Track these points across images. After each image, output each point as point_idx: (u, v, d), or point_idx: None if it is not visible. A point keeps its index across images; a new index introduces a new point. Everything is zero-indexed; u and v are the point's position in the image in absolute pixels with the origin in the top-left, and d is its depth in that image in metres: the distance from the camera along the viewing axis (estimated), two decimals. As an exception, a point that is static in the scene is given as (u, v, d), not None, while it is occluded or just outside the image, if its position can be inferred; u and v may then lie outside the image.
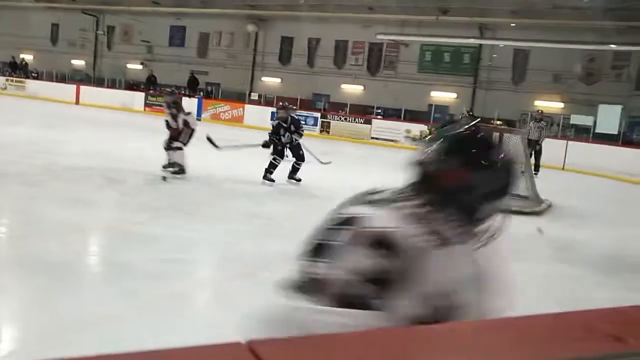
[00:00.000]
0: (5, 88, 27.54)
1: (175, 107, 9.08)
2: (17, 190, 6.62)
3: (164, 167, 8.54)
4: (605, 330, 0.71)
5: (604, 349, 0.69)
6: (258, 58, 27.13)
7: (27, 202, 6.11)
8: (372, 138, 20.96)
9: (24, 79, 28.58)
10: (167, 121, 8.97)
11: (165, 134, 8.85)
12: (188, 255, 4.79)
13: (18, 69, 30.08)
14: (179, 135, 8.77)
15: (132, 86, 27.54)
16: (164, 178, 8.21)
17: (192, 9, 25.40)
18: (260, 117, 22.89)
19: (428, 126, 20.56)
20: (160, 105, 24.32)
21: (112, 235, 5.26)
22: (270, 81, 26.62)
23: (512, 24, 20.23)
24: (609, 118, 18.48)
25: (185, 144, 8.70)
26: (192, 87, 25.89)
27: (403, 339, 0.77)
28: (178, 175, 8.40)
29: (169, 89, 12.07)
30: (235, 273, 4.44)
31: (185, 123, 8.88)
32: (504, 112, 19.77)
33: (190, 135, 8.91)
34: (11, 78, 28.68)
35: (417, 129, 20.61)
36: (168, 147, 8.65)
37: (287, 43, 26.25)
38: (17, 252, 4.42)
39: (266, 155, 9.63)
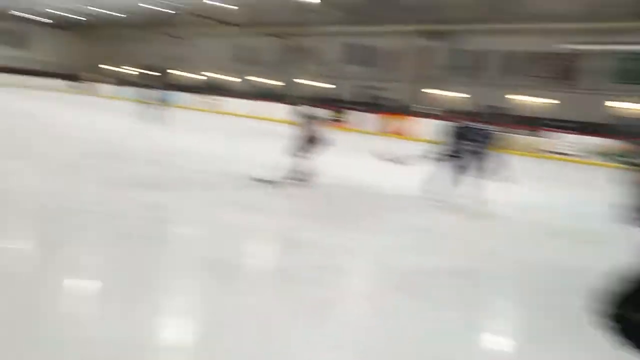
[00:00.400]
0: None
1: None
2: (195, 195, 7.22)
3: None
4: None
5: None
6: (431, 72, 26.83)
7: (203, 206, 6.63)
8: (546, 151, 19.60)
9: (218, 97, 31.21)
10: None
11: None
12: (344, 263, 4.88)
13: (213, 89, 33.05)
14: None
15: (315, 103, 28.69)
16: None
17: (372, 27, 25.80)
18: (427, 130, 22.41)
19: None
20: (338, 121, 25.14)
21: (276, 240, 5.56)
22: (443, 95, 26.20)
23: None
24: None
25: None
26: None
27: None
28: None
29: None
30: (391, 285, 4.44)
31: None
32: None
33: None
34: (209, 97, 31.35)
35: (598, 142, 18.86)
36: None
37: (464, 56, 25.70)
38: (193, 252, 4.83)
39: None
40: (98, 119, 18.64)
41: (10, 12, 40.47)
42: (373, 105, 26.45)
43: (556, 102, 22.47)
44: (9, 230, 5.04)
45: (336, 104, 23.09)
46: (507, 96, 23.87)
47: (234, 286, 4.04)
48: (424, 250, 5.57)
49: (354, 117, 25.26)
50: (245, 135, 18.01)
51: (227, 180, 8.54)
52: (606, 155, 18.64)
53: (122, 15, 35.47)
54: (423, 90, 26.88)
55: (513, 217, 7.91)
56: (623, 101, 21.13)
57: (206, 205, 6.72)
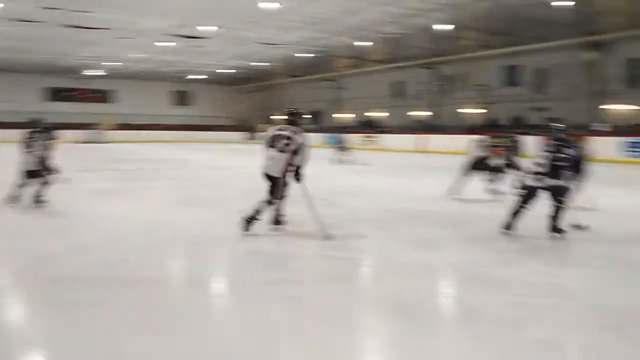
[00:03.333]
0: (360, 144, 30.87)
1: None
2: (372, 234, 7.16)
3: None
4: None
5: None
6: (601, 86, 24.95)
7: (381, 245, 6.56)
8: None
9: (374, 134, 31.70)
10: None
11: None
12: (545, 299, 4.47)
13: (370, 126, 33.75)
14: None
15: (469, 130, 28.08)
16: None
17: (525, 46, 24.86)
18: (613, 149, 20.75)
19: None
20: (499, 146, 24.20)
21: (462, 278, 5.26)
22: (619, 108, 24.14)
23: None
24: None
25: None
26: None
27: None
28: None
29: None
30: (601, 324, 3.97)
31: None
32: None
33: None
34: (367, 134, 31.98)
35: None
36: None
37: (634, 65, 23.59)
38: (374, 292, 4.73)
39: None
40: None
41: (185, 77, 44.78)
42: (544, 128, 25.03)
43: None
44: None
45: (504, 130, 22.23)
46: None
47: (426, 327, 3.84)
48: (629, 285, 4.95)
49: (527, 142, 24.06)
50: (406, 170, 17.87)
51: (400, 216, 8.43)
52: None
53: (279, 65, 37.62)
54: (600, 106, 24.92)
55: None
56: None
57: (385, 242, 6.64)
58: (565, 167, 6.52)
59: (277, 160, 6.53)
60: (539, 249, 6.35)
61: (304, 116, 7.05)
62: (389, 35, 25.02)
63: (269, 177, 6.61)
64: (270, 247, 6.31)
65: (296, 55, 32.79)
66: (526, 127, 25.35)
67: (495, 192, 10.19)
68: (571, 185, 6.69)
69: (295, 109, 6.97)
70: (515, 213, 6.73)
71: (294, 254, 6.15)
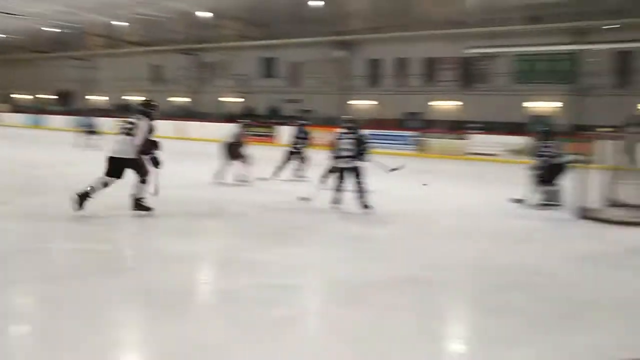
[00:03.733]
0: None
1: None
2: (129, 223, 6.95)
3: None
4: None
5: None
6: (348, 82, 27.37)
7: (137, 235, 6.41)
8: (469, 153, 20.44)
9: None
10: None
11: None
12: (292, 280, 4.80)
13: (127, 111, 32.16)
14: None
15: (228, 118, 28.58)
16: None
17: (282, 39, 26.07)
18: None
19: (528, 137, 19.79)
20: (256, 135, 25.22)
21: (217, 263, 5.40)
22: (362, 104, 26.73)
23: (610, 26, 19.12)
24: None
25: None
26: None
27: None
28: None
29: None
30: (341, 298, 4.40)
31: None
32: (609, 118, 18.65)
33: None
34: (122, 119, 30.52)
35: (517, 141, 19.88)
36: None
37: (375, 65, 26.36)
38: (131, 283, 4.61)
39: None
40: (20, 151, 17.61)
41: None
42: (297, 119, 26.56)
43: (471, 104, 23.34)
44: None
45: (258, 119, 23.08)
46: (429, 102, 24.66)
47: (182, 314, 3.87)
48: (368, 260, 5.57)
49: (279, 131, 25.34)
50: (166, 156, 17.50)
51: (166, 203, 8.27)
52: (520, 152, 19.63)
53: (22, 38, 33.94)
54: (348, 101, 27.28)
55: (445, 220, 8.11)
56: (533, 101, 22.32)
57: (142, 232, 6.47)
58: (355, 151, 8.30)
59: (124, 143, 7.06)
60: (288, 233, 6.78)
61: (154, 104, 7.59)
62: (147, 17, 24.22)
63: (120, 160, 6.99)
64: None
65: (43, 29, 29.87)
66: (281, 117, 26.76)
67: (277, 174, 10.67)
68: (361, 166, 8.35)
69: (149, 101, 7.67)
70: (337, 189, 8.34)
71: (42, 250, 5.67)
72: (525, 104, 22.49)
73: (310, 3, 19.19)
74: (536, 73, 22.54)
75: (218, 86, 31.45)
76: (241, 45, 28.19)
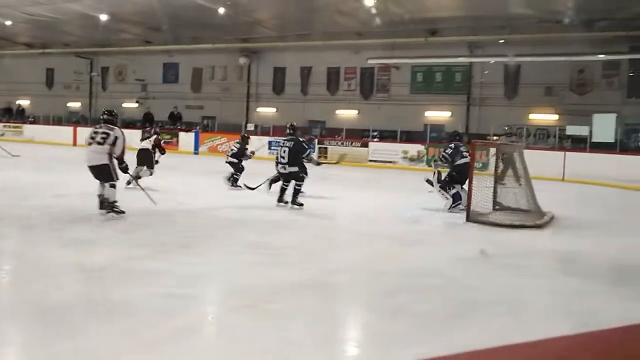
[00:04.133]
0: (2, 134, 27.64)
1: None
2: (16, 234, 6.60)
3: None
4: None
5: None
6: (252, 89, 27.35)
7: (25, 245, 6.09)
8: (370, 161, 21.03)
9: (20, 124, 28.79)
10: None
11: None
12: (191, 289, 4.75)
13: (14, 115, 30.40)
14: None
15: (128, 125, 27.68)
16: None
17: (184, 45, 25.60)
18: (257, 147, 22.98)
19: (425, 145, 20.69)
20: (167, 142, 24.61)
21: (113, 274, 5.23)
22: (266, 111, 26.77)
23: (500, 40, 20.39)
24: (604, 127, 18.57)
25: None
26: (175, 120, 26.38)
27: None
28: None
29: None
30: (240, 305, 4.40)
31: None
32: (499, 127, 19.85)
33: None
34: (8, 124, 28.93)
35: (415, 149, 20.72)
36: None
37: (279, 73, 26.49)
38: (16, 297, 4.38)
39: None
40: None
41: None
42: (200, 125, 26.22)
43: (371, 113, 23.96)
44: None
45: (158, 125, 22.51)
46: (332, 111, 25.06)
47: (75, 328, 3.72)
48: (268, 267, 5.60)
49: (180, 137, 24.85)
50: (58, 164, 16.74)
51: (47, 214, 7.89)
52: (420, 159, 20.50)
53: None
54: (253, 108, 27.23)
55: (348, 225, 8.31)
56: (431, 110, 23.27)
57: (34, 242, 6.15)
58: (292, 157, 9.44)
59: (98, 152, 7.77)
60: (187, 241, 6.69)
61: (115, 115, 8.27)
62: (39, 18, 22.94)
63: (95, 167, 7.82)
64: None
65: None
66: (183, 123, 26.32)
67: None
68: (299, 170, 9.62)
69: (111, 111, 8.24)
70: (281, 191, 9.65)
71: None
72: (422, 113, 23.40)
73: (214, 9, 18.99)
74: (433, 84, 23.54)
75: (116, 92, 30.40)
76: (141, 49, 27.38)
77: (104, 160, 7.75)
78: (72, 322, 3.85)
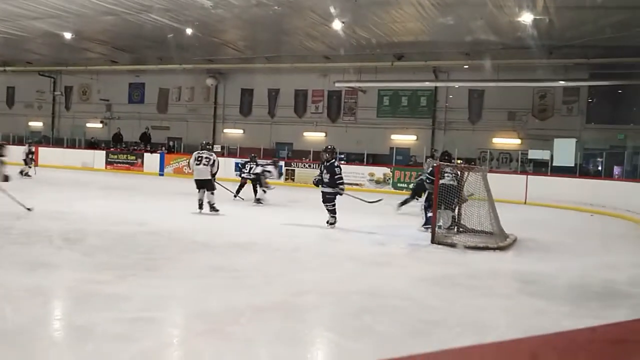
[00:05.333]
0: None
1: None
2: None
3: None
4: (551, 357, 0.71)
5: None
6: (219, 110, 27.30)
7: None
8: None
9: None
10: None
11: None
12: (153, 313, 4.66)
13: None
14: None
15: (92, 145, 27.28)
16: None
17: (151, 65, 25.45)
18: (223, 169, 22.91)
19: (391, 168, 20.88)
20: (123, 163, 24.37)
21: (74, 298, 5.10)
22: (233, 132, 26.71)
23: (465, 66, 20.84)
24: (565, 151, 19.04)
25: None
26: (145, 141, 26.14)
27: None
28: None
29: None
30: (203, 329, 4.34)
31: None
32: (463, 150, 20.18)
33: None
34: None
35: (381, 171, 20.89)
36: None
37: (247, 94, 26.53)
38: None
39: (223, 209, 9.62)
40: None
41: None
42: (164, 146, 25.97)
43: (337, 136, 24.12)
44: None
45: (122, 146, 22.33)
46: (299, 133, 25.15)
47: (33, 354, 3.62)
48: (231, 290, 5.55)
49: (145, 158, 24.57)
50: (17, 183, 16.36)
51: (5, 236, 7.69)
52: (386, 182, 20.66)
53: None
54: (221, 129, 27.16)
55: (313, 247, 8.29)
56: (396, 133, 23.56)
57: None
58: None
59: (204, 170, 11.24)
60: (148, 264, 6.59)
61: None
62: (1, 35, 22.54)
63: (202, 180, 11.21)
64: None
65: None
66: (150, 144, 26.06)
67: None
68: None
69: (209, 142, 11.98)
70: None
71: None
72: (389, 136, 23.66)
73: (181, 30, 18.95)
74: (399, 107, 23.86)
75: (80, 111, 29.98)
76: (107, 69, 27.09)
77: (208, 175, 10.99)
78: (30, 348, 3.74)
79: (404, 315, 4.94)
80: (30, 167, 19.16)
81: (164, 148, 25.65)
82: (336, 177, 10.21)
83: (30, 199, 11.22)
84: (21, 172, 18.72)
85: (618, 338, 0.83)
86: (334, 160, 10.47)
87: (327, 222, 10.21)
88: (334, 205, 10.20)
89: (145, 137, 25.99)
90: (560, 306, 5.62)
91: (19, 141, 28.35)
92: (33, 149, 19.25)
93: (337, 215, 10.25)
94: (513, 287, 6.59)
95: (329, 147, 10.78)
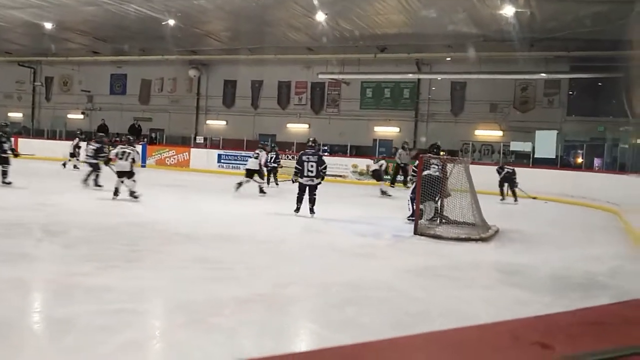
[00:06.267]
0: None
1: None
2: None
3: None
4: (532, 339, 0.73)
5: (531, 357, 0.71)
6: (202, 102, 27.14)
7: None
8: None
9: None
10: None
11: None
12: (136, 304, 4.64)
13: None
14: None
15: (74, 136, 26.96)
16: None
17: (133, 56, 25.20)
18: (206, 161, 22.86)
19: (374, 160, 20.94)
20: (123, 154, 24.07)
21: (55, 290, 5.06)
22: (215, 124, 26.58)
23: (447, 58, 20.92)
24: (546, 143, 19.23)
25: None
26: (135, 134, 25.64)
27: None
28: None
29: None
30: (186, 320, 4.33)
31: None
32: (445, 142, 20.27)
33: None
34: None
35: (364, 163, 20.94)
36: None
37: (230, 86, 26.40)
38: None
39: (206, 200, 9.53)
40: None
41: None
42: (145, 138, 25.74)
43: (321, 127, 24.11)
44: None
45: (109, 137, 22.08)
46: (282, 124, 25.09)
47: (15, 347, 3.58)
48: (214, 282, 5.53)
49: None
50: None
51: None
52: (367, 174, 20.74)
53: None
54: (197, 121, 27.01)
55: (297, 239, 8.30)
56: (379, 125, 23.62)
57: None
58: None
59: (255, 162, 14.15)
60: (131, 256, 6.55)
61: None
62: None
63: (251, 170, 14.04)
64: None
65: None
66: (140, 136, 25.82)
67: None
68: None
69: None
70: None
71: None
72: (372, 128, 23.71)
73: (164, 20, 18.78)
74: (382, 99, 23.91)
75: (61, 102, 29.63)
76: (88, 60, 26.78)
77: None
78: (11, 340, 3.70)
79: (387, 306, 4.98)
80: (78, 160, 19.49)
81: (145, 139, 25.45)
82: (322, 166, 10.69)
83: (8, 191, 11.10)
84: (64, 165, 19.59)
85: (596, 320, 0.85)
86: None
87: (312, 212, 10.33)
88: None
89: (134, 130, 25.64)
90: (542, 297, 5.69)
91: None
92: (81, 145, 19.42)
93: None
94: (495, 278, 6.66)
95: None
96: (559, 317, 0.90)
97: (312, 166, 10.53)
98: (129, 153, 11.55)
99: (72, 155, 19.68)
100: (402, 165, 19.29)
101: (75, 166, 19.31)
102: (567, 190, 16.51)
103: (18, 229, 7.73)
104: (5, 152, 13.05)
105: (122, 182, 11.46)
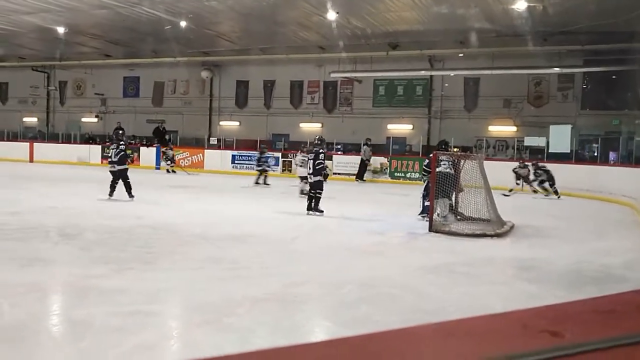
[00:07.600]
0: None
1: None
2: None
3: None
4: (541, 326, 0.72)
5: (539, 344, 0.70)
6: (214, 103, 27.22)
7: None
8: (334, 173, 21.08)
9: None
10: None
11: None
12: (151, 306, 4.66)
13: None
14: None
15: (88, 140, 27.19)
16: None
17: (145, 58, 25.33)
18: (220, 162, 22.94)
19: (387, 158, 20.89)
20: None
21: (72, 292, 5.10)
22: (229, 125, 26.65)
23: (460, 54, 20.80)
24: (560, 138, 19.05)
25: None
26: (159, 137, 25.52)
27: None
28: None
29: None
30: (201, 320, 4.34)
31: None
32: (459, 139, 20.16)
33: None
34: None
35: (377, 161, 20.90)
36: None
37: (242, 86, 26.44)
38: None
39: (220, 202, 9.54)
40: None
41: None
42: (162, 140, 25.81)
43: (333, 126, 24.09)
44: None
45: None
46: (295, 124, 25.11)
47: (32, 349, 3.61)
48: (227, 282, 5.55)
49: (141, 152, 24.50)
50: (14, 181, 16.34)
51: (1, 232, 7.68)
52: (382, 172, 20.68)
53: None
54: (216, 122, 27.11)
55: (310, 237, 8.29)
56: (392, 123, 23.55)
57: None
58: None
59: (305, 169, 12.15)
60: (145, 257, 6.58)
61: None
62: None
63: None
64: None
65: None
66: (143, 138, 25.93)
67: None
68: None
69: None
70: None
71: None
72: (385, 126, 23.64)
73: (175, 22, 18.87)
74: (395, 97, 23.83)
75: (75, 106, 29.87)
76: (101, 63, 26.97)
77: (305, 173, 11.55)
78: (29, 343, 3.74)
79: (400, 304, 4.96)
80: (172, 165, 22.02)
81: (170, 141, 25.51)
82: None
83: (24, 195, 11.21)
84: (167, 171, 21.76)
85: (607, 309, 0.84)
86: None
87: (309, 208, 10.62)
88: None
89: (159, 132, 25.47)
90: (556, 291, 5.64)
91: (13, 137, 28.28)
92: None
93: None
94: (510, 274, 6.61)
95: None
96: (570, 305, 0.89)
97: (310, 163, 10.81)
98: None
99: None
100: (366, 160, 20.61)
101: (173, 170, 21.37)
102: (583, 184, 16.35)
103: (34, 232, 7.80)
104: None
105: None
